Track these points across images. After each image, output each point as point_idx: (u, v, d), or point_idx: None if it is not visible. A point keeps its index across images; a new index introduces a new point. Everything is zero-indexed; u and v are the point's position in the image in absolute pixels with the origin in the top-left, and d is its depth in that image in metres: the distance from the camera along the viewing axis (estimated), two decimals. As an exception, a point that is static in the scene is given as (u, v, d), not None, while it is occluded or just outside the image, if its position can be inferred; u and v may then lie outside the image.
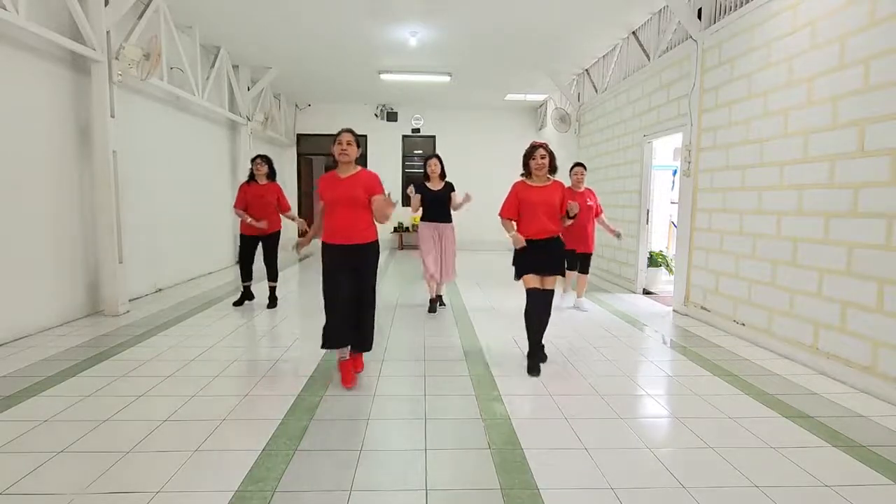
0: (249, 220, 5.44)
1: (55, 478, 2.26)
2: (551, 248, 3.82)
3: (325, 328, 3.42)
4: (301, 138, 12.93)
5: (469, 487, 2.25)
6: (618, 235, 5.79)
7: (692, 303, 5.58)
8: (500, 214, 3.93)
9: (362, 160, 14.37)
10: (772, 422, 2.95)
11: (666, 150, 7.77)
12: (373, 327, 3.61)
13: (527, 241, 3.81)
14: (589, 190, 5.87)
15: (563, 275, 3.91)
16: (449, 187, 5.63)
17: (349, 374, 3.45)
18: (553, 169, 3.88)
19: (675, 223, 6.54)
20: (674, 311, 5.87)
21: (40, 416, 2.87)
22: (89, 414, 2.91)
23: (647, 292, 7.02)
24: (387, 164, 12.98)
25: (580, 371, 3.81)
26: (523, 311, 3.87)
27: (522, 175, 3.95)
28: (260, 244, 5.68)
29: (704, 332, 4.92)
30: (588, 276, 5.96)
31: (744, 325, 4.70)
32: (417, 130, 13.04)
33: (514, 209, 3.86)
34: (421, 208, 5.66)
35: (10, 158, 4.28)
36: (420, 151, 13.26)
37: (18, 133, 4.37)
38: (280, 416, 2.90)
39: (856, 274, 3.52)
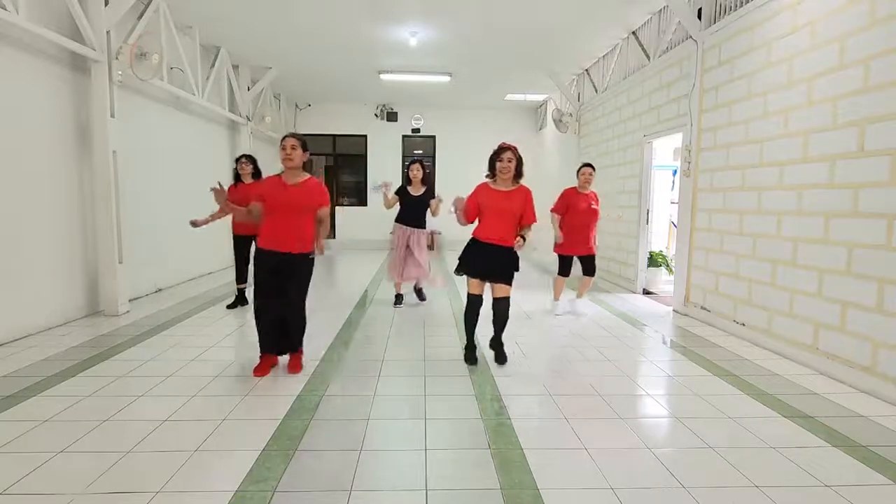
0: (199, 221, 5.31)
1: (55, 478, 2.26)
2: (502, 256, 3.73)
3: (258, 334, 3.62)
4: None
5: (469, 487, 2.25)
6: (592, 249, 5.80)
7: (692, 303, 5.58)
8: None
9: (362, 161, 14.24)
10: (772, 422, 2.95)
11: (666, 150, 7.76)
12: (302, 330, 3.71)
13: (478, 241, 3.76)
14: (593, 192, 5.83)
15: (510, 283, 3.80)
16: (429, 194, 5.77)
17: (264, 367, 3.62)
18: (519, 174, 3.77)
19: (675, 223, 6.54)
20: (674, 311, 5.87)
21: (40, 416, 2.86)
22: (89, 414, 2.91)
23: (647, 292, 7.02)
24: (387, 164, 12.99)
25: (580, 371, 3.81)
26: (493, 312, 3.89)
27: (487, 176, 3.86)
28: (253, 244, 5.66)
29: (704, 332, 4.92)
30: (594, 277, 5.88)
31: (744, 325, 4.70)
32: (417, 130, 13.04)
33: (472, 210, 3.77)
34: (399, 206, 5.85)
35: (9, 158, 4.27)
36: (420, 151, 13.28)
37: (18, 133, 4.37)
38: (280, 416, 2.90)
39: (856, 274, 3.52)
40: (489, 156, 3.81)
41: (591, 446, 2.61)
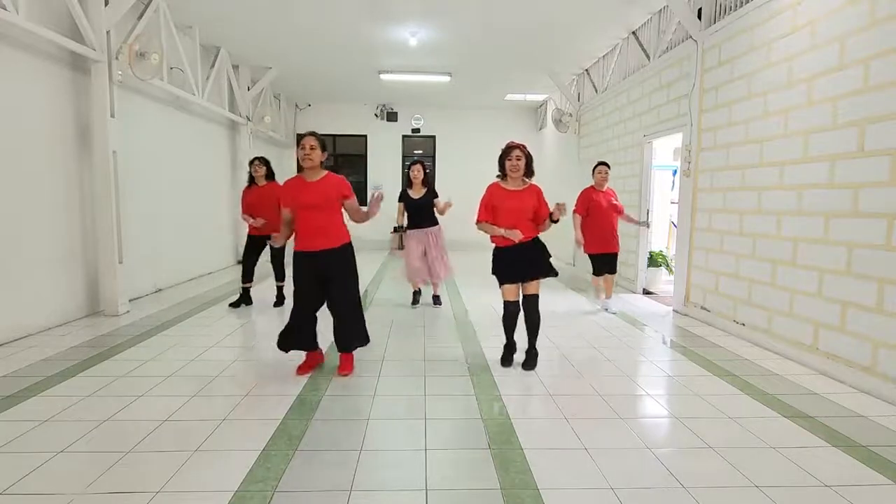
0: (252, 221, 5.44)
1: (55, 478, 2.26)
2: (528, 253, 3.70)
3: (284, 331, 3.56)
4: (301, 138, 12.92)
5: (469, 487, 2.25)
6: (646, 224, 6.54)
7: (692, 303, 5.58)
8: (476, 221, 3.80)
9: (362, 161, 14.27)
10: (772, 422, 2.95)
11: (666, 150, 7.76)
12: (361, 324, 3.66)
13: (502, 248, 3.72)
14: (611, 189, 5.88)
15: (553, 275, 3.76)
16: (431, 194, 5.67)
17: (309, 365, 3.65)
18: (530, 172, 3.74)
19: (675, 223, 6.54)
20: (674, 311, 5.87)
21: (40, 416, 2.86)
22: (89, 414, 2.91)
23: (647, 292, 7.01)
24: (387, 164, 12.99)
25: (580, 371, 3.81)
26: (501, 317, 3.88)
27: (498, 177, 3.82)
28: (267, 245, 5.66)
29: (704, 332, 4.92)
30: (616, 275, 5.93)
31: (744, 325, 4.70)
32: (417, 130, 13.05)
33: (489, 213, 3.74)
34: (406, 216, 5.74)
35: (9, 158, 4.27)
36: (420, 151, 13.28)
37: (18, 133, 4.37)
38: (280, 416, 2.90)
39: (856, 274, 3.52)
40: (498, 156, 3.77)
41: (591, 446, 2.61)
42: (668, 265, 7.24)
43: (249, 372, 3.66)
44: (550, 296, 6.32)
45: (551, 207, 3.68)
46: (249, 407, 3.06)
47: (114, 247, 5.23)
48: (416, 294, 5.98)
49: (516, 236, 3.60)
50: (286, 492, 2.18)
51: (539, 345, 3.98)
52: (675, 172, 7.68)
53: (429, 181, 5.78)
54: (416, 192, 5.66)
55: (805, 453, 2.57)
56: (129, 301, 5.57)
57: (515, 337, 3.90)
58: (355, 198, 3.57)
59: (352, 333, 3.63)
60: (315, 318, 3.60)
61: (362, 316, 3.69)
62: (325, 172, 3.51)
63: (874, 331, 3.38)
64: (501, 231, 3.65)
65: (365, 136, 12.96)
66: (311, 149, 3.42)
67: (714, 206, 5.20)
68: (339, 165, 13.29)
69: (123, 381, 3.45)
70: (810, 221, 3.92)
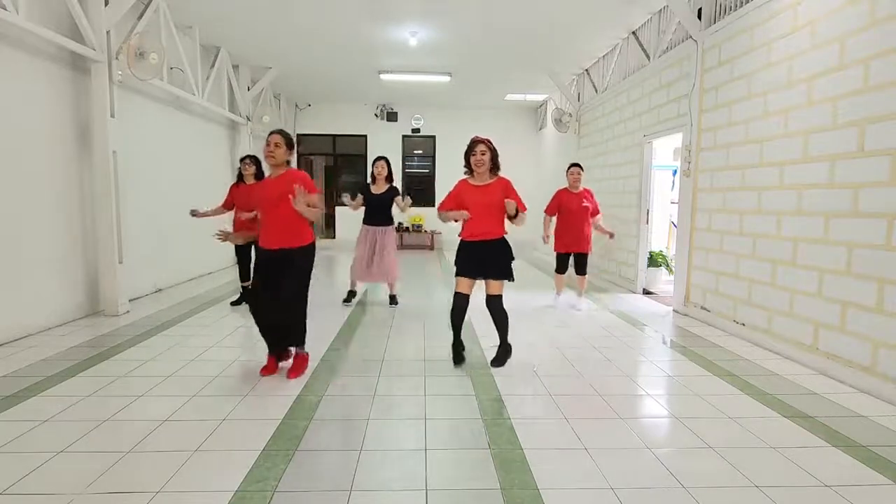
0: (200, 211, 5.48)
1: (55, 478, 2.26)
2: (491, 251, 3.69)
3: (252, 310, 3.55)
4: (301, 138, 12.92)
5: (469, 487, 2.25)
6: (611, 235, 6.23)
7: (692, 303, 5.58)
8: (438, 209, 3.86)
9: (362, 161, 14.27)
10: (772, 422, 2.95)
11: (666, 150, 7.76)
12: (295, 330, 3.56)
13: (467, 242, 3.74)
14: (587, 190, 5.92)
15: (510, 279, 3.73)
16: (392, 191, 5.67)
17: (271, 367, 3.59)
18: (496, 167, 3.73)
19: (675, 223, 6.54)
20: (674, 311, 5.87)
21: (40, 416, 2.86)
22: (89, 414, 2.91)
23: (647, 292, 7.01)
24: (387, 164, 12.98)
25: (580, 371, 3.81)
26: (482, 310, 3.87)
27: (466, 173, 3.83)
28: (252, 246, 5.68)
29: (704, 332, 4.92)
30: (587, 276, 5.96)
31: (744, 325, 4.70)
32: (417, 130, 13.04)
33: (450, 206, 3.76)
34: (363, 208, 5.73)
35: (9, 158, 4.27)
36: (420, 151, 13.28)
37: (18, 133, 4.37)
38: (280, 416, 2.90)
39: (856, 274, 3.52)
40: (463, 152, 3.78)
41: (591, 446, 2.61)
42: (668, 265, 7.24)
43: (249, 372, 3.65)
44: (550, 295, 6.31)
45: (509, 209, 3.62)
46: (249, 407, 3.06)
47: (114, 247, 5.23)
48: (351, 293, 5.90)
49: (463, 216, 3.67)
50: (286, 492, 2.18)
51: (539, 345, 3.98)
52: (675, 172, 7.68)
53: (392, 178, 5.77)
54: (378, 188, 5.66)
55: (805, 453, 2.57)
56: (129, 301, 5.57)
57: (514, 338, 3.88)
58: (316, 194, 3.40)
59: (295, 329, 3.55)
60: (272, 320, 3.49)
61: (305, 315, 3.58)
62: (287, 169, 3.49)
63: (874, 331, 3.38)
64: (452, 215, 3.71)
65: (365, 136, 12.96)
66: (276, 146, 3.41)
67: (714, 206, 5.20)
68: (338, 165, 13.30)
69: (123, 381, 3.45)
70: (810, 221, 3.92)
